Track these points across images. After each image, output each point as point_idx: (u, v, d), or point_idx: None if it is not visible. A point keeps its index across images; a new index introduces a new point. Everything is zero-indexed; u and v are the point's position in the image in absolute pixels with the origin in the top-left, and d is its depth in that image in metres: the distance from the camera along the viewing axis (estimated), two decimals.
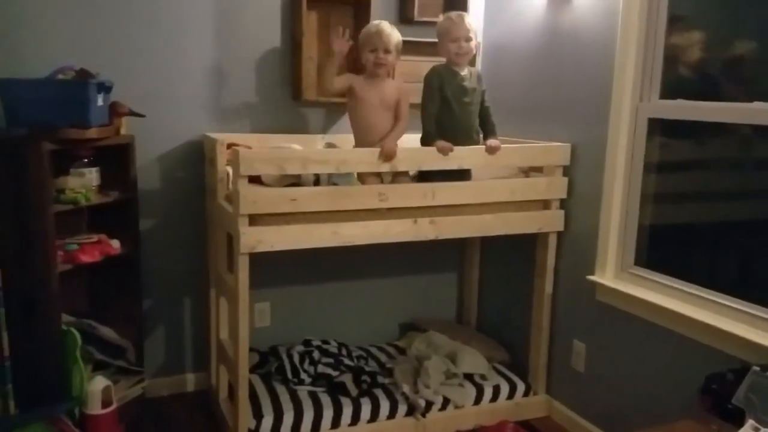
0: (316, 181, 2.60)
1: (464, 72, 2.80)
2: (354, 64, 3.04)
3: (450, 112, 2.76)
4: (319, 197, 2.54)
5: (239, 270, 2.50)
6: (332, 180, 2.61)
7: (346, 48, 2.75)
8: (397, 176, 2.72)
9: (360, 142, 2.80)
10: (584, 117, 2.82)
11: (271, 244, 2.50)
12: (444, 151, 2.66)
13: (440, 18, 2.84)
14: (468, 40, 2.75)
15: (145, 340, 3.02)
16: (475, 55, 3.00)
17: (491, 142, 2.78)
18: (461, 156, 2.72)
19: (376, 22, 2.81)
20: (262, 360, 3.11)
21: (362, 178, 2.70)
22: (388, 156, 2.59)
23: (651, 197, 2.65)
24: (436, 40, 2.84)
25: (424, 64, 3.04)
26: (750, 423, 1.79)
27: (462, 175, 2.79)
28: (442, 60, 2.82)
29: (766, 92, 2.20)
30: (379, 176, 2.70)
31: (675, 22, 2.51)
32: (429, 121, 2.76)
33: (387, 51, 2.72)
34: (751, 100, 2.24)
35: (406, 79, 3.02)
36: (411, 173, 2.80)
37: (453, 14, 2.80)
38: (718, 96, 2.40)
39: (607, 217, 2.71)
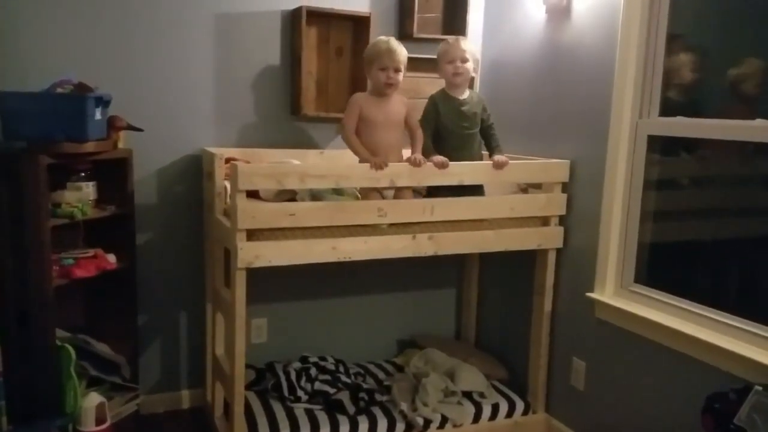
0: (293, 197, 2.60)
1: (464, 96, 2.81)
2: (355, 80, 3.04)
3: (449, 139, 2.77)
4: (318, 212, 2.53)
5: (236, 285, 2.48)
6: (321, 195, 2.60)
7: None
8: (400, 192, 2.70)
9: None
10: (583, 134, 2.82)
11: (269, 259, 2.49)
12: (439, 165, 2.65)
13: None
14: (464, 60, 2.76)
15: (140, 356, 3.00)
16: (473, 78, 2.99)
17: (498, 157, 2.77)
18: (461, 172, 2.71)
19: (384, 38, 2.74)
20: (259, 377, 3.08)
21: (363, 193, 2.69)
22: (416, 164, 2.60)
23: (651, 214, 2.64)
24: (434, 56, 2.86)
25: (423, 80, 3.08)
26: None
27: (473, 192, 2.78)
28: (440, 77, 2.83)
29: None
30: (379, 192, 2.69)
31: (674, 39, 2.52)
32: (426, 141, 2.77)
33: (397, 70, 2.68)
34: (753, 117, 2.23)
35: (404, 95, 3.01)
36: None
37: (450, 38, 2.83)
38: (717, 113, 2.39)
39: (607, 234, 2.70)
